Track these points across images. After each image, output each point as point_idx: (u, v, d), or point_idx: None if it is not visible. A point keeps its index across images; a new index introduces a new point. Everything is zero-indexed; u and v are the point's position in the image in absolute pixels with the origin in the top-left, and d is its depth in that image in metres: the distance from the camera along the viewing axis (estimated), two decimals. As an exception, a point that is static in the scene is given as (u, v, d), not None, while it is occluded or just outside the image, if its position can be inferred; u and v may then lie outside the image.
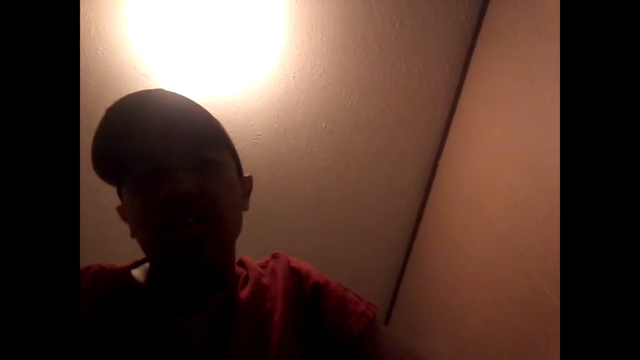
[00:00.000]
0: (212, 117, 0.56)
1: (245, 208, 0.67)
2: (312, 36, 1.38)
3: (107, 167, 0.56)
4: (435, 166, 1.74)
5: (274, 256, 0.70)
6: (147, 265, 0.64)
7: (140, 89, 1.41)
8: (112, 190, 0.60)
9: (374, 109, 1.56)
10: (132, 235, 0.58)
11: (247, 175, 0.70)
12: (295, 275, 0.65)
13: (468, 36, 1.44)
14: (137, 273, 0.62)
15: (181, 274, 0.58)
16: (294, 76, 1.44)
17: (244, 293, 0.60)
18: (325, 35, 1.38)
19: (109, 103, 1.43)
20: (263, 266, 0.68)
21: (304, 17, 1.34)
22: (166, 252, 0.53)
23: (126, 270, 0.61)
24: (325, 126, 1.57)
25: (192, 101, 0.53)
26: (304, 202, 1.73)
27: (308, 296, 0.63)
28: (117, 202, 0.61)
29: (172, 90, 0.52)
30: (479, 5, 1.38)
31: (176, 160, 0.53)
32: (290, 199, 1.71)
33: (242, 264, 0.69)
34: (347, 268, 1.95)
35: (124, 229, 0.59)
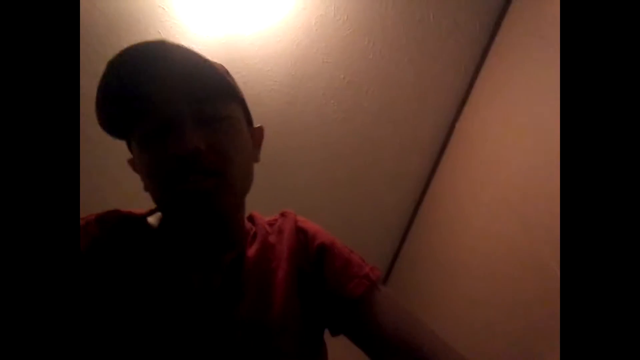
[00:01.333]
0: (219, 69, 0.54)
1: (256, 160, 0.66)
2: (338, -20, 1.31)
3: (113, 122, 0.55)
4: (451, 128, 1.71)
5: (282, 214, 0.70)
6: (160, 214, 0.64)
7: (159, 23, 1.37)
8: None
9: (396, 63, 1.50)
10: (145, 189, 0.58)
11: (257, 126, 0.68)
12: (302, 234, 0.65)
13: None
14: (152, 221, 0.62)
15: (193, 229, 0.58)
16: (316, 21, 1.38)
17: (252, 251, 0.61)
18: (353, -20, 1.31)
19: (124, 34, 1.39)
20: (271, 224, 0.68)
21: (332, -42, 1.27)
22: (176, 207, 0.54)
23: (143, 218, 0.62)
24: (344, 77, 1.52)
25: (197, 54, 0.51)
26: (314, 153, 1.72)
27: (313, 256, 0.63)
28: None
29: (175, 42, 0.50)
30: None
31: (183, 115, 0.52)
32: (301, 149, 1.70)
33: (251, 219, 0.69)
34: (352, 223, 1.97)
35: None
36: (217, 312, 0.54)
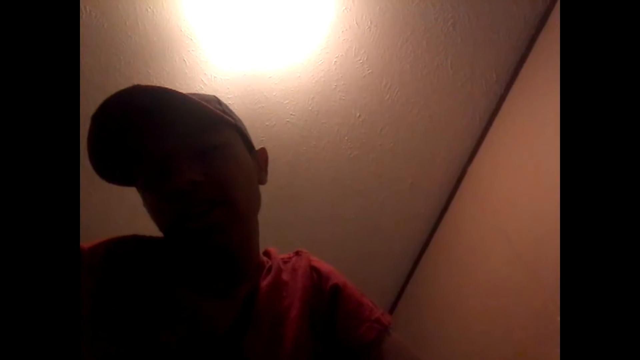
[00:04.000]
0: (201, 101, 0.54)
1: (262, 182, 0.66)
2: (360, 23, 1.35)
3: (111, 173, 0.55)
4: (463, 173, 1.71)
5: (297, 253, 0.70)
6: None
7: (184, 50, 1.41)
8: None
9: (411, 106, 1.53)
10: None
11: (259, 148, 0.68)
12: (316, 274, 0.65)
13: (522, 47, 1.39)
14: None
15: (207, 262, 0.58)
16: (335, 61, 1.42)
17: (265, 284, 0.61)
18: (374, 24, 1.36)
19: (150, 59, 1.43)
20: (285, 261, 0.68)
21: (356, 3, 1.32)
22: (186, 244, 0.53)
23: (161, 242, 0.61)
24: (359, 115, 1.55)
25: (176, 92, 0.50)
26: (325, 188, 1.73)
27: (326, 297, 0.62)
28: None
29: (150, 85, 0.50)
30: (537, 19, 1.32)
31: (175, 151, 0.52)
32: (312, 183, 1.71)
33: (267, 254, 0.69)
34: (358, 260, 1.95)
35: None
36: (229, 345, 0.53)
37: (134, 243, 0.59)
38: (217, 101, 0.61)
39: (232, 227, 0.54)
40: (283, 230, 1.79)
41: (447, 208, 1.81)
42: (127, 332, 0.49)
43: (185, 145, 0.52)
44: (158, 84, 1.37)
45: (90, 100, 1.46)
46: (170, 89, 0.51)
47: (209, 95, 0.61)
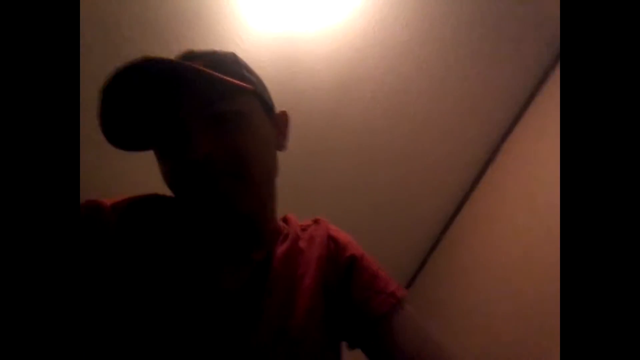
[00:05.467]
0: (219, 61, 0.53)
1: (280, 148, 0.65)
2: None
3: (126, 141, 0.54)
4: (498, 147, 1.65)
5: (316, 221, 0.69)
6: None
7: (222, 14, 1.37)
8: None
9: (450, 77, 1.47)
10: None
11: (280, 112, 0.66)
12: (333, 244, 0.65)
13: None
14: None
15: (220, 228, 0.58)
16: (375, 25, 1.36)
17: (281, 251, 0.61)
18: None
19: (188, 19, 1.41)
20: (303, 229, 0.67)
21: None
22: (200, 211, 0.54)
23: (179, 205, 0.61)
24: (395, 84, 1.50)
25: (186, 63, 0.49)
26: (354, 156, 1.71)
27: (342, 267, 0.62)
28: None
29: (160, 57, 0.48)
30: None
31: (189, 121, 0.51)
32: (342, 150, 1.69)
33: (285, 221, 0.69)
34: (382, 230, 1.95)
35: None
36: (241, 310, 0.54)
37: (155, 203, 0.60)
38: (235, 60, 0.60)
39: (246, 197, 0.53)
40: (308, 197, 1.79)
41: (476, 184, 1.77)
42: (143, 290, 0.51)
43: (199, 114, 0.52)
44: (192, 44, 1.37)
45: (122, 58, 1.46)
46: (180, 61, 0.50)
47: (226, 54, 0.59)
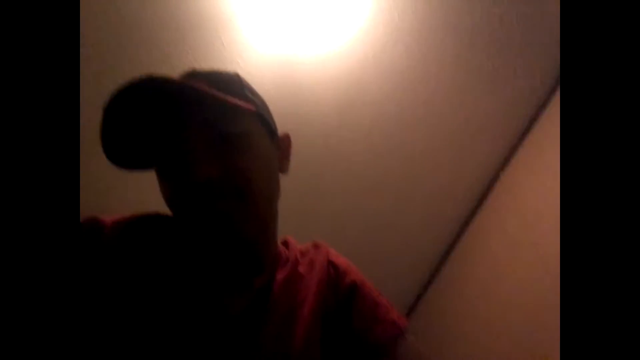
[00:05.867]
0: (222, 82, 0.53)
1: (283, 170, 0.64)
2: (401, 15, 1.31)
3: (127, 160, 0.53)
4: (495, 177, 1.66)
5: (315, 245, 0.68)
6: None
7: (225, 35, 1.40)
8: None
9: (448, 104, 1.48)
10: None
11: (282, 134, 0.66)
12: (333, 269, 0.63)
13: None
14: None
15: (220, 252, 0.56)
16: (374, 53, 1.38)
17: (280, 276, 0.60)
18: (416, 16, 1.31)
19: (191, 39, 1.43)
20: (303, 253, 0.66)
21: (400, -6, 1.28)
22: (201, 234, 0.53)
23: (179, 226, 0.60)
24: (394, 110, 1.51)
25: (190, 84, 0.49)
26: (353, 181, 1.71)
27: (342, 294, 0.61)
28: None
29: (164, 76, 0.48)
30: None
31: (192, 141, 0.51)
32: (340, 175, 1.69)
33: (285, 244, 0.68)
34: (378, 258, 1.93)
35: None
36: (240, 336, 0.53)
37: (155, 223, 0.59)
38: (238, 81, 0.59)
39: (248, 219, 0.53)
40: (306, 220, 1.78)
41: (475, 213, 1.76)
42: (138, 315, 0.49)
43: (202, 135, 0.51)
44: (195, 64, 1.38)
45: (125, 76, 1.47)
46: (183, 82, 0.50)
47: (230, 74, 0.59)
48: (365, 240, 1.88)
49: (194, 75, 0.57)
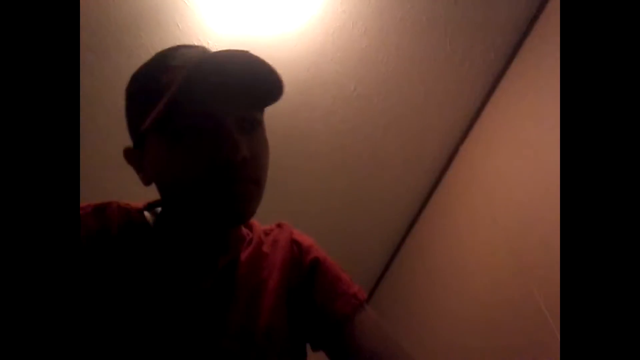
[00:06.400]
0: (281, 79, 0.54)
1: None
2: (360, -6, 1.32)
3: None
4: (455, 150, 1.72)
5: (279, 225, 0.70)
6: (158, 209, 0.63)
7: (178, 15, 1.37)
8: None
9: (407, 81, 1.51)
10: (148, 182, 0.57)
11: None
12: (296, 247, 0.66)
13: (522, 26, 1.37)
14: (148, 216, 0.61)
15: (199, 230, 0.58)
16: (333, 32, 1.39)
17: (244, 256, 0.61)
18: (375, -5, 1.32)
19: (146, 25, 1.39)
20: (266, 233, 0.67)
21: (357, -28, 1.28)
22: (209, 207, 0.52)
23: (140, 212, 0.61)
24: (355, 88, 1.53)
25: (269, 65, 0.52)
26: (318, 160, 1.73)
27: (305, 270, 0.63)
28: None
29: (256, 55, 0.51)
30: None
31: (230, 119, 0.52)
32: (305, 154, 1.71)
33: (248, 226, 0.69)
34: (345, 233, 1.98)
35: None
36: (206, 314, 0.54)
37: (115, 213, 0.58)
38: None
39: (255, 204, 0.55)
40: (271, 201, 1.78)
41: (436, 186, 1.83)
42: (104, 310, 0.50)
43: (241, 117, 0.53)
44: (152, 49, 1.34)
45: (86, 73, 1.43)
46: (260, 59, 0.51)
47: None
48: (330, 219, 1.91)
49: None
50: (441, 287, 1.60)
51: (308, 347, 0.64)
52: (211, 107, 0.51)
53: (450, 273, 1.56)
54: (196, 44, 1.37)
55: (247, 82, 0.52)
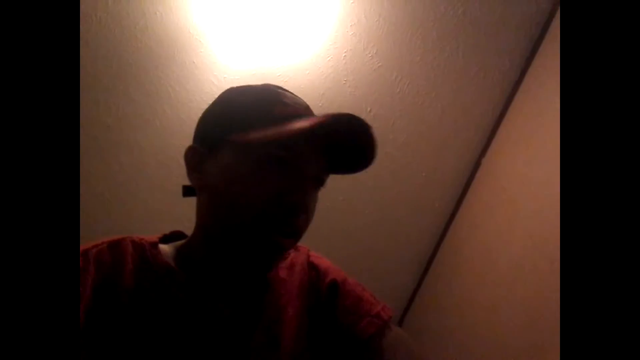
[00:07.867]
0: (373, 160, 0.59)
1: None
2: (368, 16, 1.34)
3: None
4: (477, 164, 1.68)
5: (295, 248, 0.68)
6: (177, 243, 0.62)
7: (193, 52, 1.41)
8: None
9: (423, 98, 1.51)
10: (199, 187, 0.58)
11: None
12: (314, 271, 0.64)
13: (535, 33, 1.36)
14: (166, 249, 0.60)
15: (228, 265, 0.58)
16: (344, 55, 1.41)
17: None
18: (383, 16, 1.34)
19: (163, 63, 1.44)
20: (284, 257, 0.66)
21: (363, -4, 1.31)
22: (254, 239, 0.53)
23: (154, 244, 0.59)
24: (370, 110, 1.54)
25: (375, 146, 0.58)
26: (338, 183, 1.72)
27: (324, 294, 0.62)
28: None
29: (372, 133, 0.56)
30: (550, 4, 1.29)
31: (315, 174, 0.56)
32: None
33: None
34: (371, 256, 1.94)
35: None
36: (229, 345, 0.53)
37: (128, 249, 0.56)
38: None
39: (296, 242, 0.58)
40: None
41: (461, 200, 1.79)
42: (132, 322, 0.50)
43: (320, 175, 0.58)
44: (169, 87, 1.38)
45: (101, 104, 1.48)
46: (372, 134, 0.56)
47: None
48: (357, 239, 1.89)
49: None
50: (472, 306, 1.54)
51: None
52: (312, 153, 0.55)
53: (482, 285, 1.50)
54: (212, 79, 1.42)
55: (353, 152, 0.57)
